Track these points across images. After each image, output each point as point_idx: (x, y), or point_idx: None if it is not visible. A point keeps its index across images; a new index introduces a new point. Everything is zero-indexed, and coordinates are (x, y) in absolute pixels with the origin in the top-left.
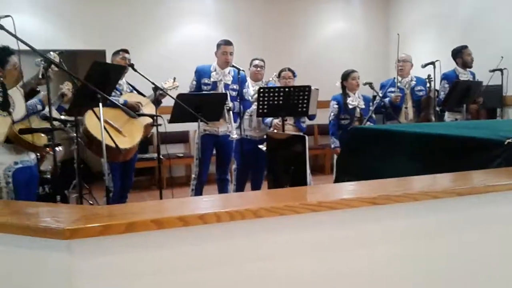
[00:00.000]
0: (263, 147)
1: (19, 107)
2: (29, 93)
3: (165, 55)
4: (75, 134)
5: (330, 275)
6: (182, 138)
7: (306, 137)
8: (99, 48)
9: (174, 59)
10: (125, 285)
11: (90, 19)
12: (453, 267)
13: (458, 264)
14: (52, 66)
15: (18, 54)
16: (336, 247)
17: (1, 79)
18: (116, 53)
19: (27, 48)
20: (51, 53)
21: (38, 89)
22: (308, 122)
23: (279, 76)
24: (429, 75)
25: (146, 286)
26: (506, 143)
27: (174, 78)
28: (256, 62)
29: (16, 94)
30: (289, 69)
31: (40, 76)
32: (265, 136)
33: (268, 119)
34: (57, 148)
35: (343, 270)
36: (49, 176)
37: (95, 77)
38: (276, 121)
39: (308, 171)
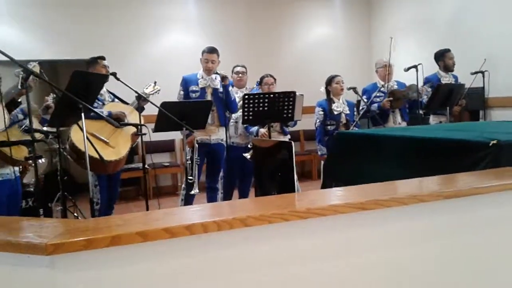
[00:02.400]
0: (247, 155)
1: (1, 117)
2: (10, 104)
3: (148, 63)
4: (57, 146)
5: (321, 282)
6: (168, 147)
7: (293, 143)
8: (81, 58)
9: (157, 67)
10: None
11: (71, 28)
12: (442, 271)
13: (447, 267)
14: (32, 76)
15: None
16: (326, 254)
17: None
18: (93, 61)
19: (6, 58)
20: (31, 63)
21: (19, 100)
22: (293, 128)
23: (260, 82)
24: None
25: None
26: (491, 144)
27: (155, 82)
28: (238, 69)
29: None
30: (271, 75)
31: (20, 87)
32: (250, 144)
33: (253, 128)
34: (40, 160)
35: (333, 277)
36: (32, 189)
37: (76, 87)
38: (263, 130)
39: (296, 177)
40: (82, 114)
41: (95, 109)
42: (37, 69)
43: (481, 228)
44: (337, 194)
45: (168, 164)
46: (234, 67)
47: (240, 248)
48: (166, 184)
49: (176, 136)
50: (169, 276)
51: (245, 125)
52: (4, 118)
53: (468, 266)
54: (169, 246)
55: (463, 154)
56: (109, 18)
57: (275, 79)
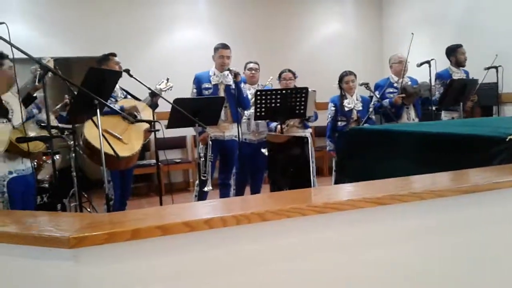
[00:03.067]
0: (265, 151)
1: (17, 113)
2: (26, 99)
3: (159, 60)
4: (72, 142)
5: (338, 276)
6: (180, 143)
7: (310, 138)
8: (93, 55)
9: (168, 64)
10: None
11: (83, 26)
12: (460, 264)
13: (464, 262)
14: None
15: (13, 61)
16: (343, 248)
17: None
18: (105, 58)
19: (21, 55)
20: (45, 57)
21: (35, 95)
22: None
23: (279, 77)
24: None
25: None
26: (507, 139)
27: (168, 79)
28: (251, 65)
29: (12, 100)
30: (289, 70)
31: (37, 82)
32: (265, 139)
33: (273, 124)
34: (55, 157)
35: (351, 271)
36: (46, 185)
37: (91, 83)
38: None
39: (314, 172)
40: (98, 111)
41: (110, 105)
42: (51, 64)
43: (499, 223)
44: (353, 189)
45: (179, 160)
46: (247, 63)
47: (258, 242)
48: (177, 180)
49: (187, 132)
50: (188, 269)
51: (266, 121)
52: (22, 113)
53: (487, 260)
54: (189, 240)
55: (478, 149)
56: (120, 16)
57: (294, 75)
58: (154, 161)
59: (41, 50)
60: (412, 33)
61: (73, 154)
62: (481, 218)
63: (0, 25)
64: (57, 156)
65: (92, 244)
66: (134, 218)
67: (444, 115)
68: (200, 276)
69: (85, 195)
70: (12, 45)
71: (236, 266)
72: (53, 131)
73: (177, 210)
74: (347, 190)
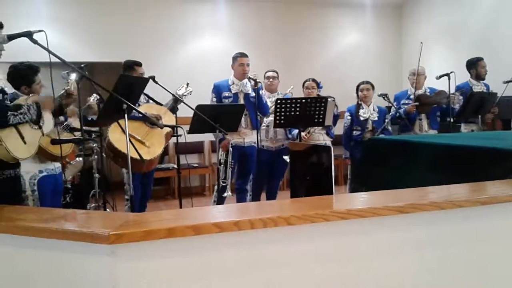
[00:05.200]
0: (287, 158)
1: (48, 121)
2: (57, 110)
3: (180, 68)
4: (95, 145)
5: (360, 281)
6: (197, 148)
7: (331, 147)
8: (116, 60)
9: (188, 72)
10: None
11: (106, 32)
12: (482, 273)
13: (483, 270)
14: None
15: (50, 67)
16: (365, 254)
17: (38, 100)
18: (131, 66)
19: (47, 60)
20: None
21: (65, 110)
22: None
23: (303, 85)
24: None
25: None
26: None
27: (188, 84)
28: (269, 73)
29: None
30: (313, 80)
31: (65, 94)
32: (282, 147)
33: (295, 131)
34: (77, 158)
35: (372, 276)
36: (69, 186)
37: (121, 89)
38: (303, 133)
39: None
40: (126, 115)
41: (139, 110)
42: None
43: None
44: (374, 197)
45: (197, 165)
46: (266, 72)
47: (284, 245)
48: (194, 184)
49: (205, 138)
50: (217, 268)
51: (285, 129)
52: (52, 122)
53: (505, 269)
54: (219, 240)
55: (496, 163)
56: (143, 23)
57: (318, 85)
58: (172, 165)
59: (65, 55)
60: (421, 43)
61: (96, 156)
62: (499, 229)
63: (39, 32)
64: (80, 158)
65: (129, 241)
66: (166, 218)
67: (464, 128)
68: (228, 276)
69: (105, 197)
70: (50, 52)
71: (262, 267)
72: (79, 133)
73: (207, 212)
74: (368, 198)
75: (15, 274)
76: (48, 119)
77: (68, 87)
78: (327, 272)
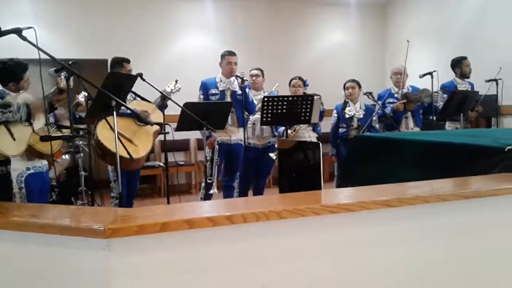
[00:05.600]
0: (273, 155)
1: (38, 118)
2: (47, 108)
3: (168, 65)
4: (81, 142)
5: (349, 272)
6: (183, 146)
7: (320, 144)
8: (101, 57)
9: (176, 69)
10: (159, 282)
11: (92, 29)
12: (461, 264)
13: (466, 261)
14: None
15: (39, 65)
16: (354, 246)
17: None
18: (119, 63)
19: (34, 57)
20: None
21: (55, 106)
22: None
23: (289, 84)
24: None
25: (179, 283)
26: (506, 150)
27: (176, 81)
28: (252, 72)
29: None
30: (300, 78)
31: (57, 90)
32: (269, 144)
33: (281, 128)
34: (63, 156)
35: (360, 268)
36: (55, 183)
37: (110, 86)
38: (290, 131)
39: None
40: (114, 113)
41: (128, 107)
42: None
43: (498, 227)
44: (362, 192)
45: (183, 163)
46: (250, 70)
47: (275, 238)
48: (180, 182)
49: (191, 135)
50: (212, 261)
51: (271, 127)
52: (42, 119)
53: (486, 259)
54: (212, 234)
55: (479, 159)
56: (130, 20)
57: (304, 83)
58: (158, 162)
59: (51, 51)
60: (408, 41)
61: (82, 154)
62: (481, 222)
63: (28, 29)
64: (66, 156)
65: (124, 235)
66: (160, 213)
67: (448, 125)
68: (221, 269)
69: (90, 194)
70: (40, 49)
71: (254, 261)
72: (67, 130)
73: (199, 206)
74: (356, 193)
75: (10, 269)
76: (38, 117)
77: (62, 85)
78: (318, 264)
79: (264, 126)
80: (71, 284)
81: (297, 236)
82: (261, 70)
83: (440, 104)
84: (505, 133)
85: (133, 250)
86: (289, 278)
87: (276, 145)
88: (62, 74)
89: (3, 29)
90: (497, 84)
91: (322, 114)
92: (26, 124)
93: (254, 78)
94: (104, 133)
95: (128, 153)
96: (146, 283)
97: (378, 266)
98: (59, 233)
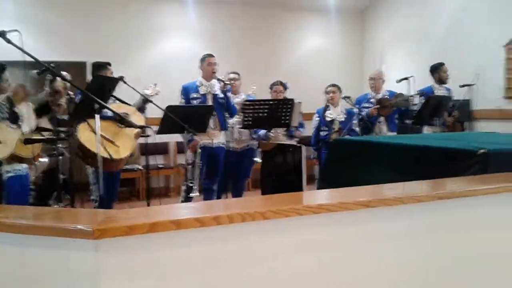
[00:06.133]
0: (258, 159)
1: (28, 121)
2: (42, 109)
3: (148, 68)
4: (59, 145)
5: (332, 272)
6: (162, 149)
7: (303, 147)
8: (80, 60)
9: (157, 72)
10: (148, 282)
11: (71, 31)
12: (436, 264)
13: (441, 260)
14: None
15: (24, 67)
16: (335, 246)
17: (8, 94)
18: (103, 66)
19: (14, 59)
20: (63, 72)
21: (53, 107)
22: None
23: (271, 88)
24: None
25: (167, 283)
26: (479, 153)
27: (155, 84)
28: (230, 75)
29: (26, 109)
30: (281, 83)
31: (48, 88)
32: (247, 147)
33: (262, 131)
34: (41, 159)
35: (342, 267)
36: (32, 186)
37: (94, 89)
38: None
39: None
40: (97, 115)
41: (113, 110)
42: (68, 77)
43: (471, 226)
44: (342, 193)
45: (162, 166)
46: (228, 73)
47: (260, 238)
48: (159, 185)
49: (171, 138)
50: (198, 262)
51: (250, 130)
52: (32, 122)
53: (461, 259)
54: (199, 235)
55: (453, 161)
56: (110, 23)
57: (285, 87)
58: (137, 166)
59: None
60: (381, 51)
61: (61, 157)
62: (455, 222)
63: (14, 31)
64: (45, 159)
65: (113, 235)
66: (147, 213)
67: (426, 129)
68: (209, 269)
69: (69, 197)
70: (24, 52)
71: (241, 261)
72: (47, 133)
73: (187, 208)
74: (337, 194)
75: None
76: (28, 119)
77: (58, 86)
78: (301, 263)
79: (242, 130)
80: (61, 285)
81: (281, 235)
82: (238, 74)
83: (414, 107)
84: (478, 137)
85: (122, 250)
86: (274, 277)
87: (256, 148)
88: (48, 76)
89: None
90: (471, 89)
91: (302, 124)
92: (14, 127)
93: (232, 81)
94: (85, 135)
95: (108, 153)
96: (135, 283)
97: (358, 265)
98: (48, 234)
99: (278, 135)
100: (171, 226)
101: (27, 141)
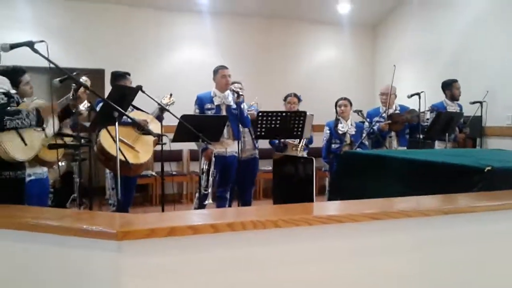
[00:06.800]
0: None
1: (51, 124)
2: (64, 113)
3: (162, 77)
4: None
5: (338, 280)
6: (176, 156)
7: (313, 159)
8: (99, 67)
9: (172, 82)
10: (166, 282)
11: (91, 39)
12: (439, 276)
13: (447, 273)
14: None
15: (49, 74)
16: (342, 255)
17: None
18: (123, 75)
19: (40, 65)
20: (83, 77)
21: (73, 110)
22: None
23: (285, 100)
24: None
25: (184, 284)
26: (486, 170)
27: (171, 94)
28: (235, 85)
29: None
30: (295, 95)
31: (71, 97)
32: (251, 156)
33: (276, 141)
34: (60, 163)
35: (348, 276)
36: (51, 189)
37: (114, 98)
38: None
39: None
40: (117, 123)
41: (132, 117)
42: (88, 83)
43: (476, 240)
44: (351, 205)
45: (175, 173)
46: (232, 83)
47: (272, 245)
48: (172, 192)
49: (184, 146)
50: (213, 265)
51: (254, 140)
52: (54, 125)
53: (464, 273)
54: (213, 240)
55: (460, 178)
56: (127, 31)
57: (298, 98)
58: (151, 172)
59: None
60: (394, 65)
61: (77, 162)
62: (460, 236)
63: (40, 43)
64: (63, 163)
65: (135, 238)
66: (165, 218)
67: (438, 145)
68: (223, 271)
69: (85, 201)
70: (50, 61)
71: (253, 266)
72: (68, 139)
73: (203, 214)
74: (345, 206)
75: (24, 269)
76: (51, 123)
77: (79, 92)
78: (310, 272)
79: (246, 139)
80: (84, 283)
81: (291, 243)
82: (241, 83)
83: (425, 124)
84: (486, 154)
85: (142, 252)
86: (282, 284)
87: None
88: (73, 85)
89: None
90: (481, 106)
91: (311, 140)
92: (39, 130)
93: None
94: (108, 140)
95: (125, 157)
96: (153, 282)
97: (365, 275)
98: (73, 234)
99: (294, 148)
100: (188, 231)
101: (52, 146)
